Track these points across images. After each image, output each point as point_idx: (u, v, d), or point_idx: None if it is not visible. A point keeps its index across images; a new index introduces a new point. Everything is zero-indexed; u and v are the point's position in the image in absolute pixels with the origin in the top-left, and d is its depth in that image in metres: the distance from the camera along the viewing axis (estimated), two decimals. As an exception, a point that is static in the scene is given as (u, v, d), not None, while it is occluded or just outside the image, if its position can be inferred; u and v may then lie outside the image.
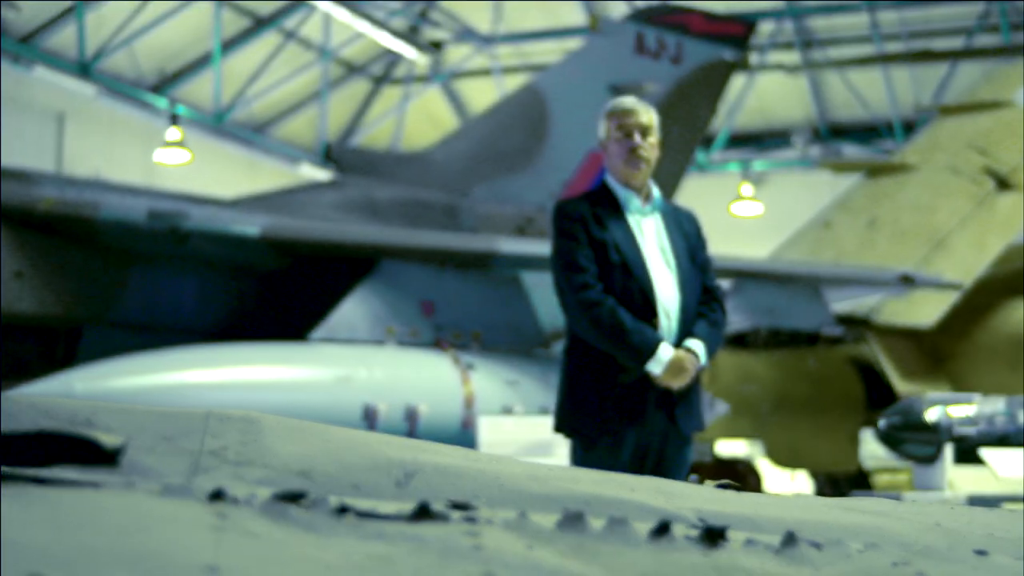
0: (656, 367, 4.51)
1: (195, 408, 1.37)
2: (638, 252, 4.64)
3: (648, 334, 4.52)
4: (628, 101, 4.79)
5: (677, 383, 4.54)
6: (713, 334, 4.68)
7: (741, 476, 15.69)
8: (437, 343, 8.54)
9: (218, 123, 21.06)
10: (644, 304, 4.58)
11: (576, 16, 21.51)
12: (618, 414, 4.56)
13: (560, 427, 4.74)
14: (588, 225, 4.64)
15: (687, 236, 4.78)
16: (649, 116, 4.74)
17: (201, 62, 20.93)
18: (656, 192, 4.80)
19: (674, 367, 4.51)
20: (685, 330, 4.64)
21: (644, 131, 4.70)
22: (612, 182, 4.77)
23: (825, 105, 23.48)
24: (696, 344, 4.59)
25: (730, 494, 1.27)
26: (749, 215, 23.54)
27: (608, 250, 4.61)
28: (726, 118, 22.53)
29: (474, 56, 23.37)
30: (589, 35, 12.42)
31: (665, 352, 4.52)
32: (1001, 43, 20.10)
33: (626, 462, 4.55)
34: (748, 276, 9.53)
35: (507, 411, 8.23)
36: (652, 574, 0.89)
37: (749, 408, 13.23)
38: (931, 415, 8.19)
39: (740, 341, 12.99)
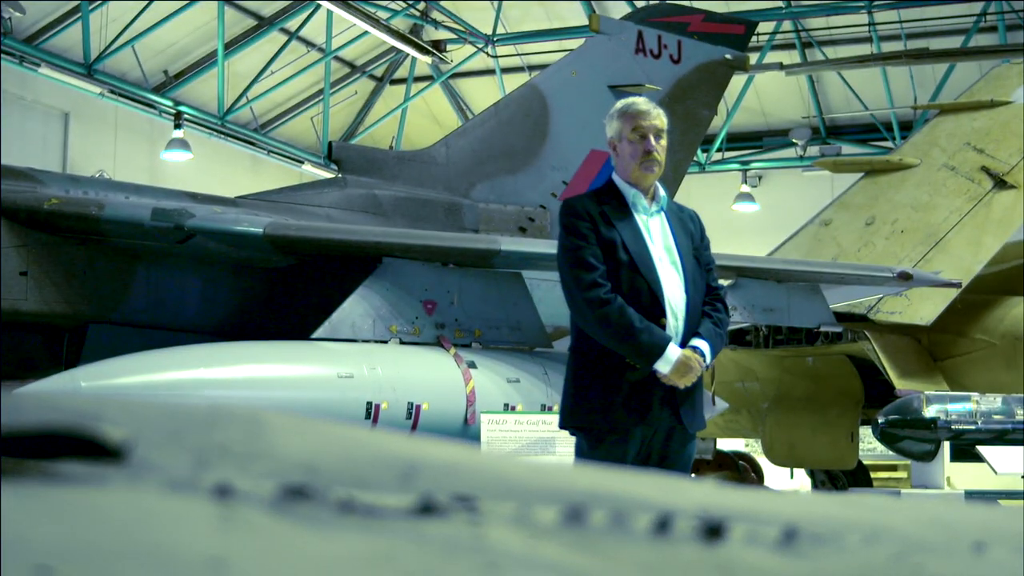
0: (664, 366, 4.53)
1: (200, 404, 1.39)
2: (646, 251, 4.66)
3: (657, 333, 4.54)
4: (642, 103, 4.80)
5: (684, 382, 4.57)
6: (717, 334, 4.72)
7: (743, 470, 15.72)
8: (439, 341, 8.54)
9: (221, 122, 21.06)
10: (652, 303, 4.61)
11: (576, 16, 21.51)
12: (625, 411, 4.58)
13: (566, 424, 4.76)
14: (596, 223, 4.65)
15: (691, 236, 4.81)
16: (662, 119, 4.77)
17: (205, 62, 20.95)
18: (662, 192, 4.82)
19: (682, 367, 4.54)
20: (691, 329, 4.66)
21: (657, 133, 4.72)
22: (619, 181, 4.78)
23: (824, 104, 23.48)
24: (702, 344, 4.62)
25: (731, 489, 1.30)
26: (748, 213, 23.55)
27: (616, 249, 4.63)
28: (725, 117, 22.53)
29: (475, 56, 23.37)
30: (589, 35, 12.41)
31: (673, 352, 4.54)
32: (998, 43, 20.10)
33: (631, 459, 4.58)
34: (747, 274, 9.52)
35: (509, 409, 8.24)
36: (653, 568, 0.91)
37: (748, 405, 13.24)
38: (929, 413, 8.21)
39: (739, 339, 12.99)
